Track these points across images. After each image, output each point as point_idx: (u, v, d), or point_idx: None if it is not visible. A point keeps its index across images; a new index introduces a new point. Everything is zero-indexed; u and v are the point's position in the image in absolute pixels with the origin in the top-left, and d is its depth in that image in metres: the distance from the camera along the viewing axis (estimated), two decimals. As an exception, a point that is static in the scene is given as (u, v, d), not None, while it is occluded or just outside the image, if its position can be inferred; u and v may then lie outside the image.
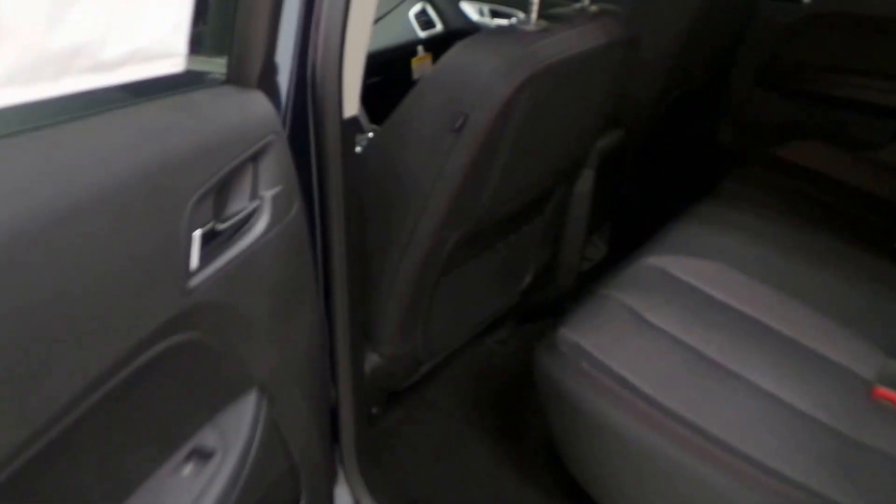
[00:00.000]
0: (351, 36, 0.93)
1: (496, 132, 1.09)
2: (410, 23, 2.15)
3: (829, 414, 1.13)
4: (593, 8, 1.31)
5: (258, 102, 0.80)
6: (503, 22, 2.15)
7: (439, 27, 2.19)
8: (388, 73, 1.98)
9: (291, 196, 0.85)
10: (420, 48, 2.13)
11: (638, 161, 1.82)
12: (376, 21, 2.07)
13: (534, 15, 1.16)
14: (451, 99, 1.07)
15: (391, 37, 2.10)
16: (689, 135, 2.11)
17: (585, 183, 1.60)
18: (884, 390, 1.20)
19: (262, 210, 0.80)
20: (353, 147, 1.00)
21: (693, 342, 1.25)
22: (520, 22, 1.18)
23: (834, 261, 1.54)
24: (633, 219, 1.95)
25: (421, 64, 2.13)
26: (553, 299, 1.75)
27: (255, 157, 0.78)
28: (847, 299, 1.42)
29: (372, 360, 1.26)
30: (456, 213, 1.15)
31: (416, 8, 2.18)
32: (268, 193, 0.80)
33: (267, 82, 0.86)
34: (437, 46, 2.17)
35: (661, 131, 1.87)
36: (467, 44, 1.11)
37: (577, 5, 1.31)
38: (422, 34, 2.14)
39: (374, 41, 2.03)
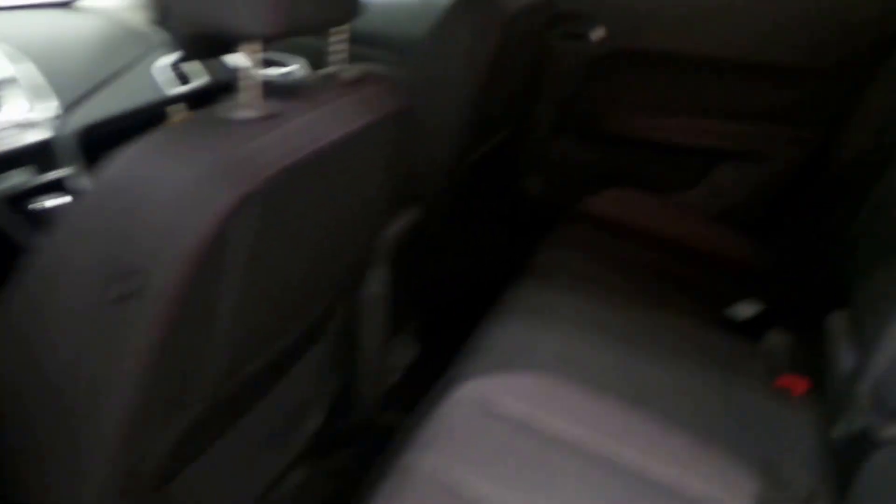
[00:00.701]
0: None
1: (203, 284, 0.65)
2: (159, 78, 1.66)
3: None
4: (351, 73, 0.91)
5: None
6: (277, 72, 1.71)
7: (201, 80, 1.72)
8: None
9: None
10: (177, 107, 1.66)
11: (442, 237, 1.45)
12: (112, 79, 1.58)
13: (252, 95, 0.74)
14: (111, 247, 0.63)
15: (136, 97, 1.61)
16: (497, 194, 1.76)
17: (376, 283, 1.19)
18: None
19: None
20: None
21: None
22: (232, 106, 0.74)
23: (671, 345, 1.27)
24: (447, 303, 1.57)
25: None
26: (358, 422, 1.33)
27: None
28: (698, 400, 1.16)
29: None
30: (152, 417, 0.69)
31: (167, 60, 1.69)
32: None
33: None
34: (203, 103, 1.70)
35: (466, 197, 1.50)
36: (140, 150, 0.67)
37: (325, 71, 0.89)
38: (175, 90, 1.66)
39: (114, 103, 1.54)
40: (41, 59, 1.39)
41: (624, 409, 1.08)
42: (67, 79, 1.43)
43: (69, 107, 1.41)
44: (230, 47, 0.74)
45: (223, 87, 1.76)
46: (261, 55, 0.74)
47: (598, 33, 1.78)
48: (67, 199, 1.35)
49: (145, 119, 1.57)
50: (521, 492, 0.92)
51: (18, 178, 1.27)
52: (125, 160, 0.66)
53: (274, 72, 1.72)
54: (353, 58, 1.02)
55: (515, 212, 1.89)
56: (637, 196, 1.73)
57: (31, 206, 1.28)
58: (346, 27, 0.89)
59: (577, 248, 1.52)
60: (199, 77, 1.70)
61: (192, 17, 0.71)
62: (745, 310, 1.40)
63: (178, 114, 1.66)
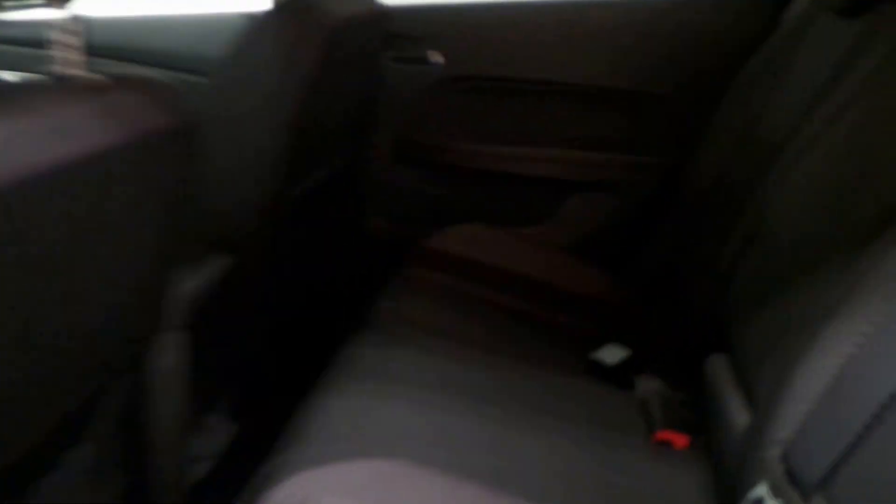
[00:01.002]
0: None
1: None
2: None
3: None
4: (93, 77, 0.63)
5: None
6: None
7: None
8: None
9: None
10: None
11: (262, 289, 1.17)
12: None
13: None
14: None
15: None
16: (333, 234, 1.50)
17: (168, 354, 0.89)
18: None
19: None
20: None
21: None
22: None
23: (538, 401, 1.06)
24: (273, 368, 1.28)
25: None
26: None
27: None
28: (574, 468, 0.94)
29: None
30: None
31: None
32: None
33: None
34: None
35: (291, 240, 1.23)
36: None
37: (50, 70, 0.61)
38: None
39: None
40: None
41: (487, 493, 0.84)
42: None
43: None
44: None
45: None
46: None
47: (435, 57, 1.59)
48: None
49: None
50: None
51: None
52: None
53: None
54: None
55: (357, 254, 1.64)
56: (486, 231, 1.53)
57: None
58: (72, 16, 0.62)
59: (422, 294, 1.29)
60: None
61: None
62: (612, 354, 1.22)
63: None
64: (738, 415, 0.88)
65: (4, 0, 0.90)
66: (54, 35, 0.63)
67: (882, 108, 0.94)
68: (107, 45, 1.54)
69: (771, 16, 1.46)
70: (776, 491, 0.72)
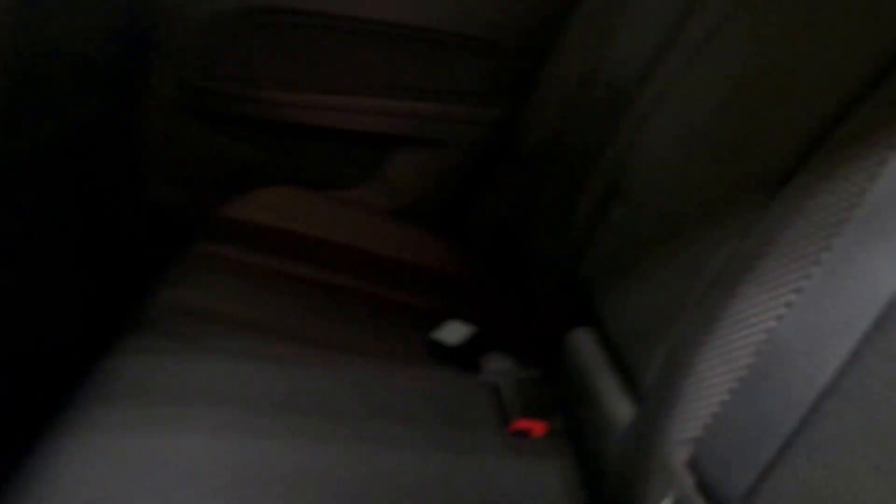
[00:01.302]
0: None
1: None
2: None
3: None
4: None
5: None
6: None
7: None
8: None
9: None
10: None
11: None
12: None
13: None
14: None
15: None
16: (91, 207, 1.16)
17: None
18: None
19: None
20: None
21: None
22: None
23: (372, 400, 0.86)
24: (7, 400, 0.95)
25: None
26: None
27: None
28: (423, 479, 0.76)
29: None
30: None
31: None
32: None
33: None
34: None
35: (20, 220, 0.90)
36: None
37: None
38: None
39: None
40: None
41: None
42: None
43: None
44: None
45: None
46: None
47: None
48: None
49: None
50: None
51: None
52: None
53: None
54: None
55: (134, 232, 1.31)
56: (297, 195, 1.27)
57: None
58: None
59: (216, 276, 1.01)
60: None
61: None
62: (455, 332, 1.02)
63: None
64: (617, 403, 0.71)
65: None
66: None
67: (761, 36, 0.79)
68: None
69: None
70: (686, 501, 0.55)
